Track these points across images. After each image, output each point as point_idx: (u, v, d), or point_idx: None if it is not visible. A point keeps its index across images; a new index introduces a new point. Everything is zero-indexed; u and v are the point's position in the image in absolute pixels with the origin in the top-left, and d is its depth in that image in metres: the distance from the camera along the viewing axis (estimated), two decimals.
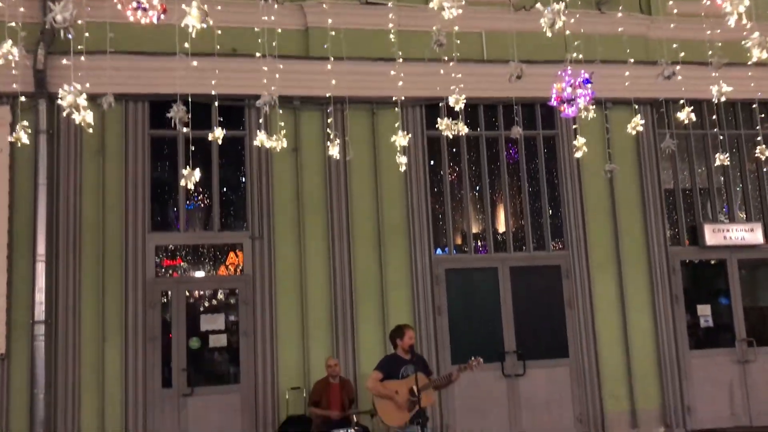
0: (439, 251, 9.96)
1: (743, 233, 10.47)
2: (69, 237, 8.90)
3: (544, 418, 9.73)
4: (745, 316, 10.49)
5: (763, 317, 10.78)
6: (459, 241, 10.21)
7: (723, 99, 6.28)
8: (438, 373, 9.36)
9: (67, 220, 8.93)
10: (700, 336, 10.45)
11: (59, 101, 4.47)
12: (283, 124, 6.36)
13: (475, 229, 10.24)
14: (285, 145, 6.14)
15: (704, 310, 10.49)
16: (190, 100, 6.15)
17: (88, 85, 5.74)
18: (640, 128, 6.85)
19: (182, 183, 5.86)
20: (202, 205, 9.80)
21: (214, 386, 9.18)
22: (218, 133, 5.83)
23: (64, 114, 4.47)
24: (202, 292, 9.52)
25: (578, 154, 6.77)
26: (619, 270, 10.20)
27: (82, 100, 4.37)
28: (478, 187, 10.33)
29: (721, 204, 10.89)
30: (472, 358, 6.65)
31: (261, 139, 5.99)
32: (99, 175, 9.13)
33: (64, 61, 7.09)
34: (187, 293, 9.33)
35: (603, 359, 9.96)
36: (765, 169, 10.87)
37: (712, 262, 10.71)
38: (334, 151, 6.40)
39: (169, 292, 9.22)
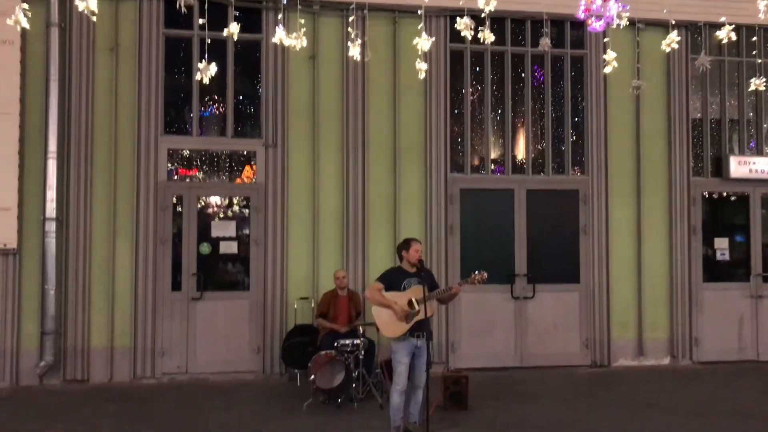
0: (456, 173, 9.75)
1: None
2: (81, 135, 8.78)
3: (550, 342, 9.74)
4: (762, 252, 10.30)
5: None
6: (477, 162, 9.98)
7: None
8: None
9: (78, 117, 8.79)
10: (714, 269, 10.30)
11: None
12: (302, 21, 5.99)
13: (494, 152, 9.99)
14: (304, 44, 5.81)
15: (721, 244, 10.30)
16: None
17: None
18: (675, 46, 6.47)
19: (197, 77, 5.62)
20: (217, 112, 9.60)
21: (224, 292, 9.20)
22: (234, 28, 5.53)
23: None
24: (214, 199, 9.42)
25: (607, 69, 6.42)
26: (639, 198, 9.99)
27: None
28: (500, 110, 10.02)
29: (749, 137, 10.53)
30: (476, 272, 6.45)
31: (279, 36, 5.66)
32: (112, 73, 8.93)
33: None
34: (200, 200, 9.25)
35: (614, 287, 9.89)
36: None
37: (733, 198, 10.43)
38: (355, 51, 6.07)
39: (182, 197, 9.14)
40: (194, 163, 9.40)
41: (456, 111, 9.87)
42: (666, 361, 9.99)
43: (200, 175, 9.37)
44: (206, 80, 5.47)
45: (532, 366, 9.62)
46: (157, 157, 9.01)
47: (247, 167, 9.44)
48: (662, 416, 7.22)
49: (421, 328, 6.20)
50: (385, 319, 6.24)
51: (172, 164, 9.26)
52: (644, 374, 9.38)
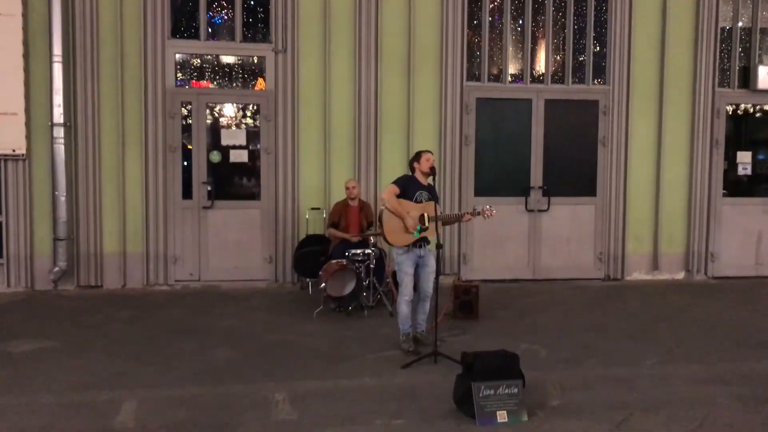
0: (473, 82, 9.44)
1: None
2: (86, 38, 8.54)
3: (564, 255, 9.66)
4: None
5: None
6: (494, 71, 9.64)
7: None
8: (458, 206, 9.24)
9: (83, 19, 8.52)
10: (735, 184, 10.06)
11: None
12: None
13: (512, 61, 9.62)
14: None
15: (744, 158, 10.01)
16: None
17: None
18: None
19: None
20: (225, 17, 9.27)
21: (235, 201, 9.14)
22: None
23: None
24: (223, 107, 9.22)
25: None
26: (661, 109, 9.66)
27: None
28: (520, 19, 9.58)
29: None
30: (488, 206, 6.39)
31: None
32: None
33: None
34: (209, 108, 9.06)
35: (631, 200, 9.71)
36: None
37: (758, 115, 10.07)
38: None
39: (191, 103, 8.95)
40: (203, 70, 9.15)
41: (474, 18, 9.46)
42: (681, 275, 9.90)
43: (209, 82, 9.13)
44: None
45: (544, 279, 9.58)
46: (165, 62, 8.78)
47: (260, 80, 9.17)
48: (673, 328, 7.18)
49: (422, 241, 6.18)
50: (394, 227, 6.14)
51: (181, 71, 9.02)
52: (658, 288, 9.32)
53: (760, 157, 10.09)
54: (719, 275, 9.88)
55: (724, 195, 9.92)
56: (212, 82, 9.14)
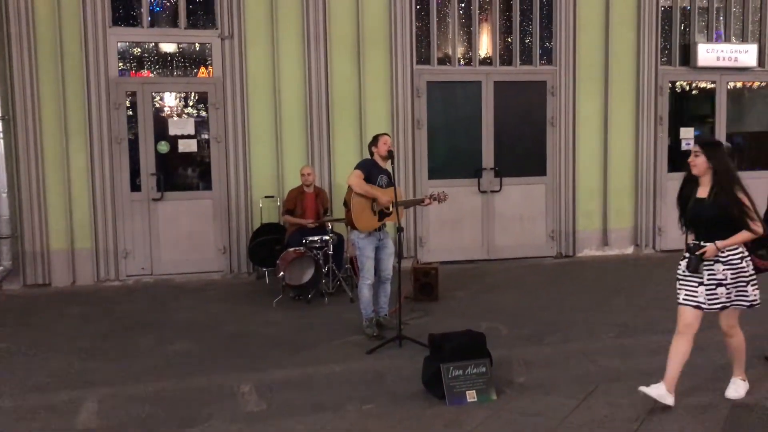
0: (422, 65, 9.43)
1: (737, 54, 10.04)
2: (21, 27, 8.18)
3: (517, 234, 9.79)
4: (728, 141, 10.34)
5: (747, 144, 10.68)
6: (443, 55, 9.65)
7: None
8: (413, 190, 9.26)
9: (17, 7, 8.16)
10: (679, 159, 10.33)
11: None
12: None
13: (460, 44, 9.64)
14: None
15: (687, 133, 10.30)
16: None
17: None
18: None
19: None
20: (168, 3, 9.01)
21: (185, 192, 8.94)
22: None
23: None
24: (169, 96, 8.99)
25: None
26: (606, 88, 9.85)
27: None
28: (467, 3, 9.60)
29: (717, 25, 10.34)
30: (442, 191, 6.50)
31: None
32: None
33: None
34: (155, 97, 8.81)
35: (580, 178, 9.89)
36: None
37: (695, 92, 10.37)
38: None
39: (135, 93, 8.69)
40: (149, 67, 8.88)
41: (422, 6, 9.44)
42: (630, 250, 10.16)
43: (153, 71, 8.88)
44: None
45: (499, 258, 9.70)
46: (106, 50, 8.49)
47: (202, 68, 8.97)
48: (628, 302, 7.36)
49: (381, 226, 6.22)
50: (362, 211, 6.11)
51: (123, 61, 8.74)
52: (609, 263, 9.54)
53: (696, 133, 10.38)
54: (667, 249, 10.15)
55: (669, 170, 10.18)
56: (154, 71, 8.88)
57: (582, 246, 10.00)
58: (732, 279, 4.31)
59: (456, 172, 9.59)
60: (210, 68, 8.90)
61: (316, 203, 8.26)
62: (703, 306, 4.34)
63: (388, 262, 6.30)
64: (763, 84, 10.53)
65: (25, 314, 7.26)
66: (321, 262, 7.55)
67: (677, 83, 10.30)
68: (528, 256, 9.79)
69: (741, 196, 4.24)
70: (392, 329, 6.11)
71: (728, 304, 4.36)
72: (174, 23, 8.85)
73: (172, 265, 8.83)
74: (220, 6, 8.75)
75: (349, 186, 6.16)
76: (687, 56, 10.15)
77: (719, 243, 4.26)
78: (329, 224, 7.76)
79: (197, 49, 8.95)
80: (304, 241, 7.63)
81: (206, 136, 8.94)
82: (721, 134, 10.33)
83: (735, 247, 4.31)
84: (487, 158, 9.65)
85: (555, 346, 5.86)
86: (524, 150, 9.79)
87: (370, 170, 6.20)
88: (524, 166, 9.79)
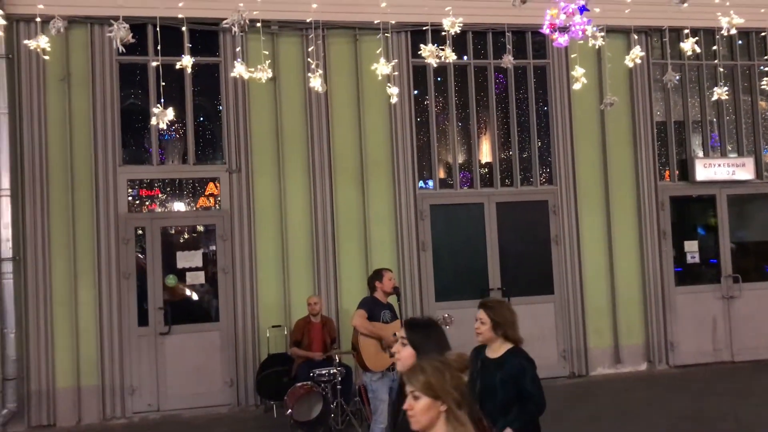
0: (422, 184, 9.63)
1: (734, 168, 10.22)
2: (35, 170, 8.44)
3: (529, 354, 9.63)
4: (732, 253, 10.36)
5: (749, 253, 10.69)
6: (443, 174, 9.87)
7: (733, 31, 5.85)
8: (420, 312, 9.22)
9: (32, 152, 8.45)
10: (685, 272, 10.33)
11: None
12: (267, 52, 5.82)
13: (462, 167, 9.86)
14: (270, 75, 5.64)
15: (691, 246, 10.34)
16: (158, 23, 5.66)
17: (41, 7, 5.28)
18: (639, 61, 6.45)
19: (153, 122, 5.38)
20: (177, 135, 9.33)
21: (193, 324, 8.93)
22: (187, 61, 5.33)
23: None
24: (178, 228, 9.15)
25: (576, 86, 6.37)
26: (607, 205, 9.97)
27: None
28: (467, 124, 9.88)
29: (711, 131, 10.60)
30: (446, 314, 6.46)
31: (239, 71, 5.46)
32: (65, 103, 8.61)
33: None
34: (163, 231, 8.96)
35: (588, 296, 9.85)
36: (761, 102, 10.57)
37: (697, 204, 10.52)
38: (316, 83, 5.93)
39: (144, 228, 8.85)
40: (158, 186, 9.11)
41: (422, 128, 9.74)
42: (643, 366, 9.97)
43: (162, 197, 9.08)
44: (163, 125, 5.25)
45: None
46: (116, 188, 8.71)
47: (210, 184, 9.15)
48: (646, 427, 7.17)
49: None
50: (371, 350, 6.11)
51: (133, 196, 8.96)
52: (623, 382, 9.35)
53: (707, 240, 10.41)
54: (680, 364, 9.98)
55: (677, 284, 10.15)
56: (161, 191, 9.06)
57: (595, 364, 9.83)
58: None
59: (463, 293, 9.56)
60: (218, 184, 9.04)
61: (323, 333, 8.23)
62: None
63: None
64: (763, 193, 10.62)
65: None
66: (329, 396, 7.44)
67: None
68: (541, 377, 9.56)
69: None
70: None
71: None
72: (183, 158, 9.12)
73: (179, 400, 8.69)
74: (228, 140, 9.02)
75: (354, 327, 6.18)
76: (685, 171, 10.33)
77: None
78: (337, 357, 7.70)
79: (204, 181, 9.18)
80: (311, 374, 7.54)
81: (214, 267, 9.01)
82: (724, 246, 10.36)
83: None
84: (494, 278, 9.66)
85: None
86: (530, 269, 9.82)
87: (372, 308, 6.25)
88: (531, 285, 9.78)
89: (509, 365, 3.87)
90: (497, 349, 3.96)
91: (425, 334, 3.30)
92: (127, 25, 4.82)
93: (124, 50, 4.90)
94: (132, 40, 5.02)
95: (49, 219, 8.46)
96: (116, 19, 8.23)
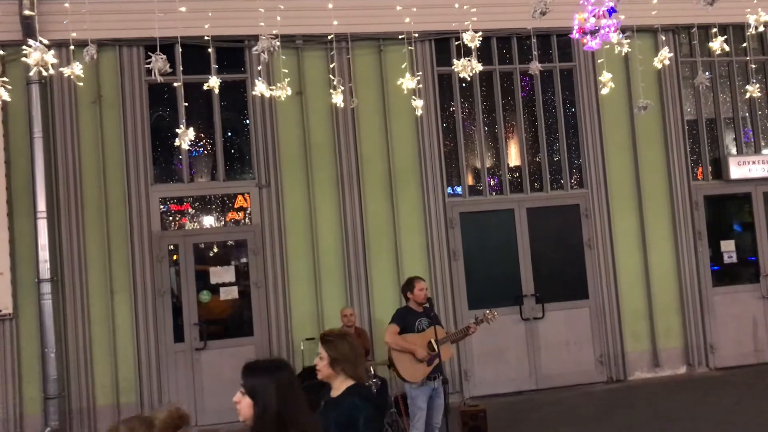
0: (450, 190, 9.59)
1: None
2: (69, 192, 8.60)
3: (565, 360, 9.55)
4: None
5: None
6: (471, 181, 9.82)
7: (761, 28, 5.74)
8: (453, 322, 9.18)
9: (66, 174, 8.61)
10: (723, 272, 10.14)
11: (24, 59, 4.15)
12: (286, 71, 5.87)
13: (490, 173, 9.81)
14: (289, 92, 5.69)
15: (728, 246, 10.15)
16: (179, 42, 5.74)
17: (74, 34, 5.40)
18: (667, 62, 6.36)
19: (177, 143, 5.47)
20: (206, 152, 9.43)
21: (227, 339, 9.00)
22: (213, 82, 5.39)
23: (32, 72, 4.16)
24: (210, 243, 9.23)
25: (605, 91, 6.29)
26: (640, 207, 9.83)
27: (50, 57, 4.05)
28: (491, 121, 9.83)
29: (744, 134, 10.40)
30: (488, 311, 6.39)
31: (260, 89, 5.51)
32: (96, 125, 8.76)
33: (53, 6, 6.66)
34: (195, 246, 9.06)
35: (624, 299, 9.71)
36: None
37: (732, 195, 10.32)
38: (338, 99, 5.96)
39: (177, 245, 8.95)
40: (188, 201, 9.23)
41: (449, 134, 9.72)
42: (682, 370, 9.80)
43: (192, 211, 9.20)
44: (185, 146, 5.33)
45: (548, 387, 9.42)
46: (149, 207, 8.83)
47: (239, 197, 9.22)
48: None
49: (435, 370, 6.14)
50: (406, 363, 6.12)
51: (165, 214, 9.08)
52: (662, 386, 9.19)
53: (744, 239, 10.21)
54: (721, 366, 9.79)
55: (714, 284, 9.96)
56: (191, 206, 9.16)
57: (632, 368, 9.69)
58: None
59: (496, 300, 9.46)
60: (247, 197, 9.13)
61: None
62: None
63: (439, 411, 6.26)
64: None
65: None
66: None
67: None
68: (578, 383, 9.49)
69: None
70: None
71: None
72: (213, 174, 9.22)
73: (216, 415, 8.74)
74: (257, 156, 9.10)
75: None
76: (718, 169, 10.15)
77: None
78: (372, 368, 7.68)
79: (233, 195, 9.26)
80: None
81: (247, 281, 9.08)
82: (762, 244, 10.15)
83: None
84: (527, 285, 9.58)
85: None
86: (564, 274, 9.72)
87: (404, 319, 6.25)
88: (566, 291, 9.68)
89: (344, 405, 3.54)
90: (338, 387, 3.65)
91: (268, 379, 2.82)
92: (164, 56, 4.89)
93: (162, 79, 4.96)
94: (169, 70, 5.09)
95: (84, 239, 8.60)
96: (144, 41, 8.48)
